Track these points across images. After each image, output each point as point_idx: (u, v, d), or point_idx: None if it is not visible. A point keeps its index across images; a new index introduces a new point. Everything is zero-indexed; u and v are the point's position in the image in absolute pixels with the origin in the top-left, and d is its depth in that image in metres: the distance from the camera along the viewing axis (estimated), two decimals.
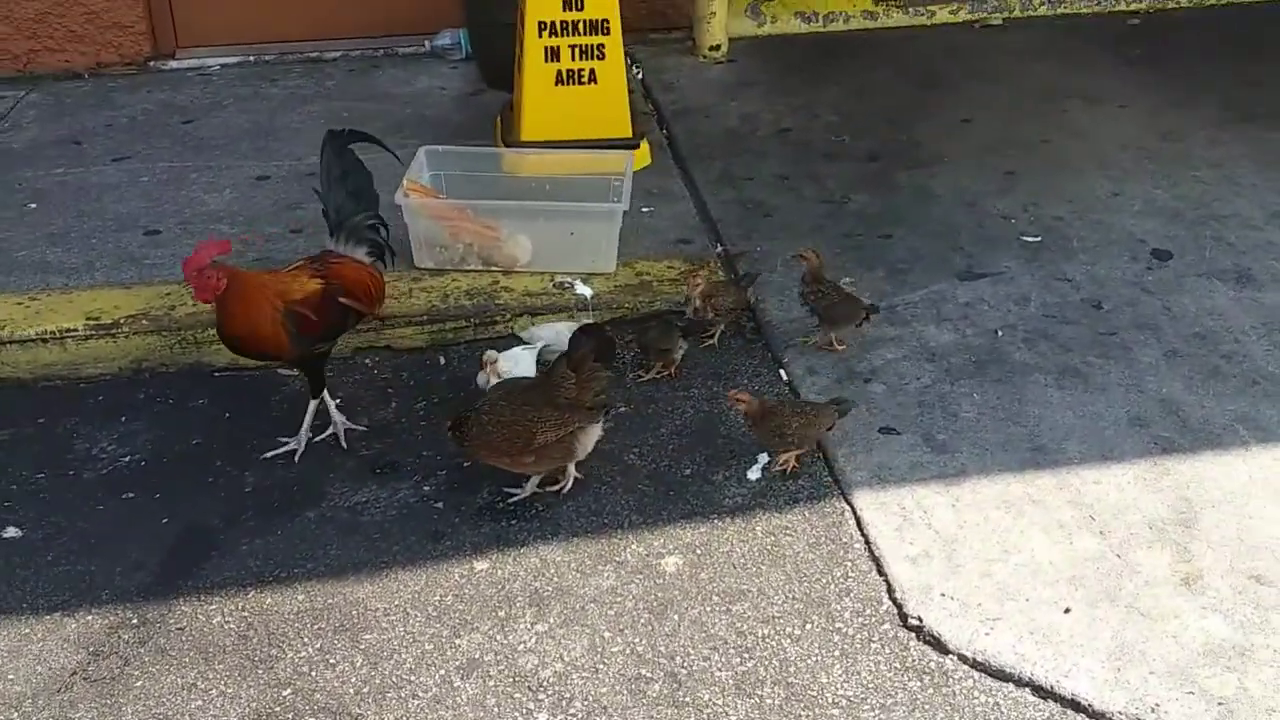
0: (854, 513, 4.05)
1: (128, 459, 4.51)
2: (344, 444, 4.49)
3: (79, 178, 6.25)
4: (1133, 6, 8.55)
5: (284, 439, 4.50)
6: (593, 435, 4.14)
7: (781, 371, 4.79)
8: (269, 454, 4.46)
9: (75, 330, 4.91)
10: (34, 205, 5.97)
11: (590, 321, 4.78)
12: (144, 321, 4.95)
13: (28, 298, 5.11)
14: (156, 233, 5.68)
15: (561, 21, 6.04)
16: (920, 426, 4.40)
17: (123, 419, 4.73)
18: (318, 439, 4.52)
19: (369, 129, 5.10)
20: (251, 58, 7.87)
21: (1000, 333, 4.92)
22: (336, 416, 4.53)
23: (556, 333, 4.82)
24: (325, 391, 4.50)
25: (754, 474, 4.27)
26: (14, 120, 7.00)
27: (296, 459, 4.44)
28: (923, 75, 7.53)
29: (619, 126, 6.26)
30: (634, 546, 3.97)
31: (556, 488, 4.19)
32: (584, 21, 6.07)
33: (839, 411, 4.26)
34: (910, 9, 8.34)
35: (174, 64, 7.79)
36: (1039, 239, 5.62)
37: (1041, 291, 5.21)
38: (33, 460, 4.49)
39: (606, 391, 4.11)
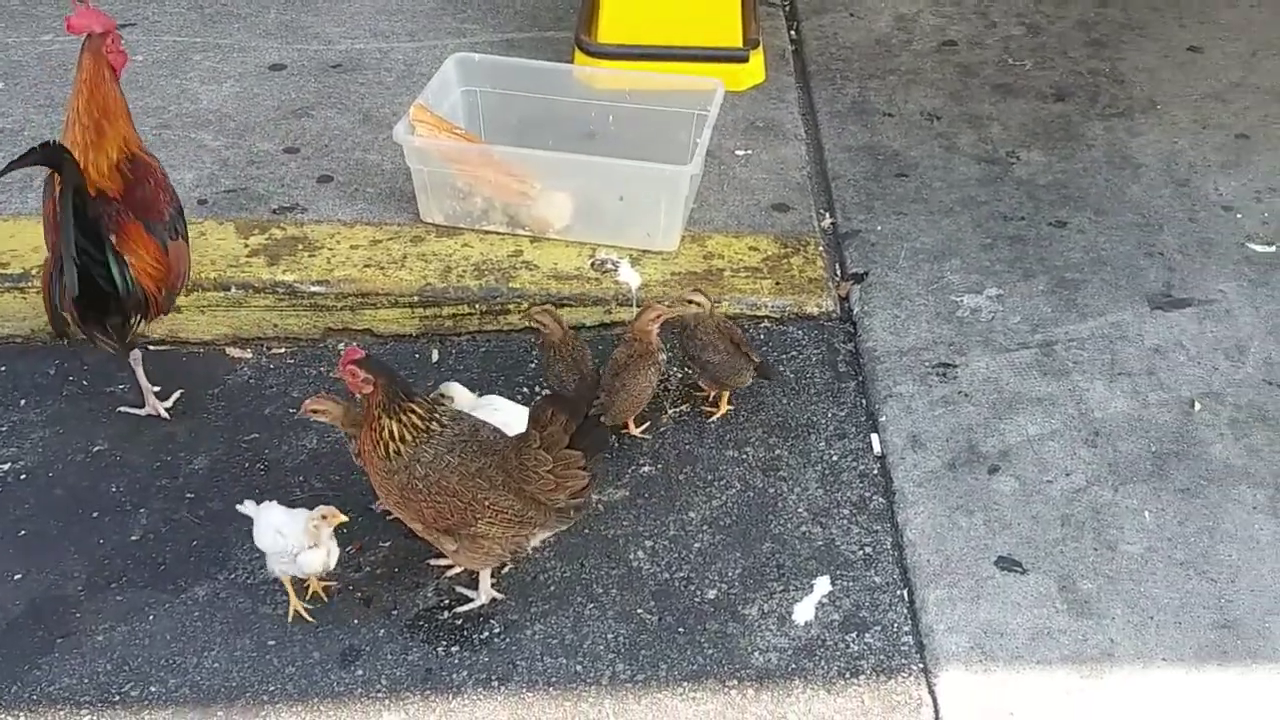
0: (935, 709, 2.76)
1: (7, 468, 3.47)
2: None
3: (66, 49, 5.11)
4: None
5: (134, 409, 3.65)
6: (545, 533, 2.95)
7: (874, 437, 3.44)
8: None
9: None
10: (0, 85, 4.88)
11: (558, 393, 3.33)
12: None
13: None
14: None
15: None
16: (1057, 563, 3.04)
17: (21, 402, 3.69)
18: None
19: None
20: None
21: (1198, 405, 3.47)
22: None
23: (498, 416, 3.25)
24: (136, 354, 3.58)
25: (804, 612, 2.99)
26: None
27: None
28: None
29: (726, 31, 4.83)
30: None
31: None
32: None
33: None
34: None
35: None
36: (1272, 248, 4.06)
37: (1266, 340, 3.69)
38: None
39: (588, 494, 2.86)
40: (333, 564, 3.01)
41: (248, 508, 3.08)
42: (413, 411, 2.80)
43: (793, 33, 5.40)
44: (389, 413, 2.79)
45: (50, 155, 3.10)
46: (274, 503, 3.07)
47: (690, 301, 3.45)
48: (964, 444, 3.37)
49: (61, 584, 3.14)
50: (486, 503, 2.81)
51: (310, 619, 3.02)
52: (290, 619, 3.02)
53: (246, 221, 4.07)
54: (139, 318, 3.43)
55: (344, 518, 3.00)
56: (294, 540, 2.98)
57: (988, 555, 3.06)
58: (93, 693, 2.87)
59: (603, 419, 3.35)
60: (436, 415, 2.85)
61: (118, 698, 2.86)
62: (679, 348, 3.54)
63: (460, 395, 3.29)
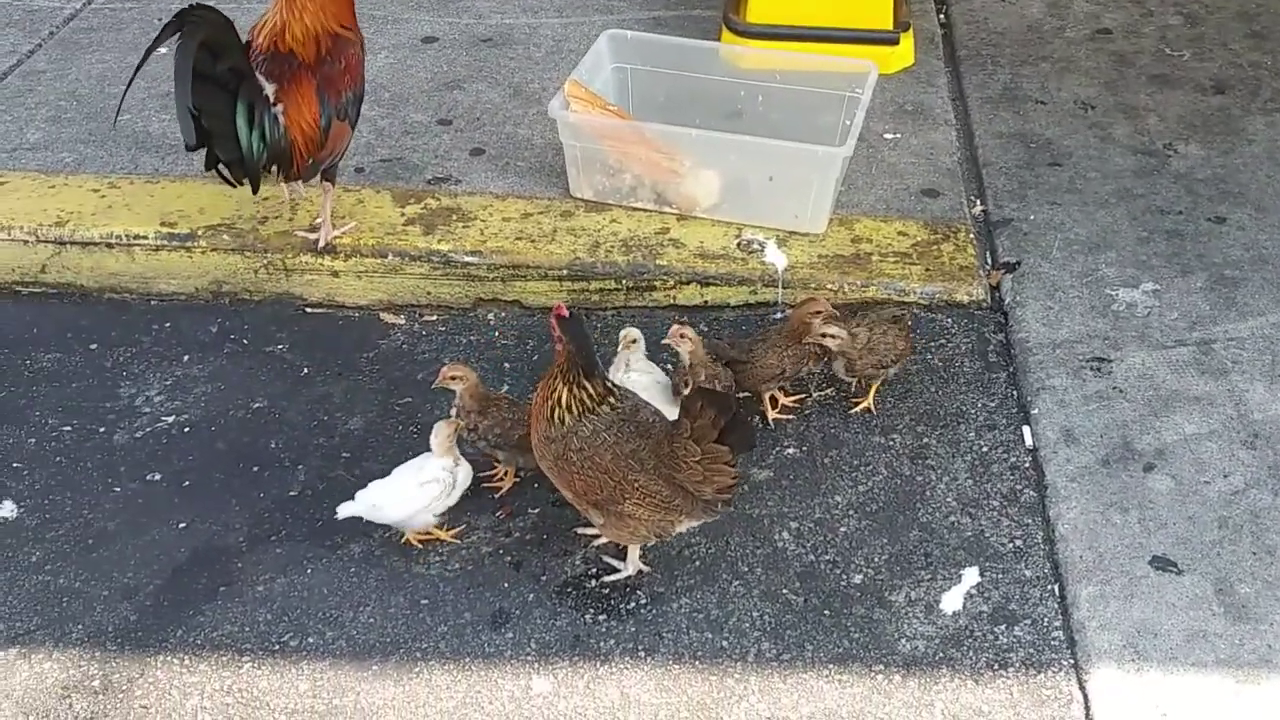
0: (1085, 706, 2.73)
1: (171, 420, 3.61)
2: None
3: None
4: None
5: None
6: (691, 522, 2.98)
7: (1026, 430, 3.40)
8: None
9: (145, 238, 3.99)
10: (164, 50, 5.01)
11: (709, 388, 3.23)
12: (224, 236, 3.98)
13: (107, 184, 4.21)
14: None
15: None
16: (1214, 565, 2.99)
17: (185, 358, 3.83)
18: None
19: None
20: None
21: None
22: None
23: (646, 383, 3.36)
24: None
25: (952, 601, 2.98)
26: None
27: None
28: None
29: (876, 14, 4.80)
30: (753, 700, 2.79)
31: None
32: None
33: None
34: None
35: None
36: None
37: None
38: (65, 402, 3.65)
39: (734, 492, 2.89)
40: None
41: (346, 509, 3.09)
42: (584, 389, 2.86)
43: (942, 17, 5.33)
44: (565, 379, 2.85)
45: (176, 23, 3.38)
46: (373, 483, 3.12)
47: (829, 335, 3.34)
48: (1118, 440, 3.31)
49: (224, 534, 3.26)
50: (636, 484, 2.85)
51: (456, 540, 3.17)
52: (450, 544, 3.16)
53: (402, 191, 4.16)
54: (278, 170, 3.65)
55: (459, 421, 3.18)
56: (441, 475, 3.07)
57: (1142, 554, 3.01)
58: (253, 640, 2.98)
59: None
60: (609, 399, 2.89)
61: (277, 646, 2.96)
62: (860, 374, 3.47)
63: (641, 341, 3.36)
